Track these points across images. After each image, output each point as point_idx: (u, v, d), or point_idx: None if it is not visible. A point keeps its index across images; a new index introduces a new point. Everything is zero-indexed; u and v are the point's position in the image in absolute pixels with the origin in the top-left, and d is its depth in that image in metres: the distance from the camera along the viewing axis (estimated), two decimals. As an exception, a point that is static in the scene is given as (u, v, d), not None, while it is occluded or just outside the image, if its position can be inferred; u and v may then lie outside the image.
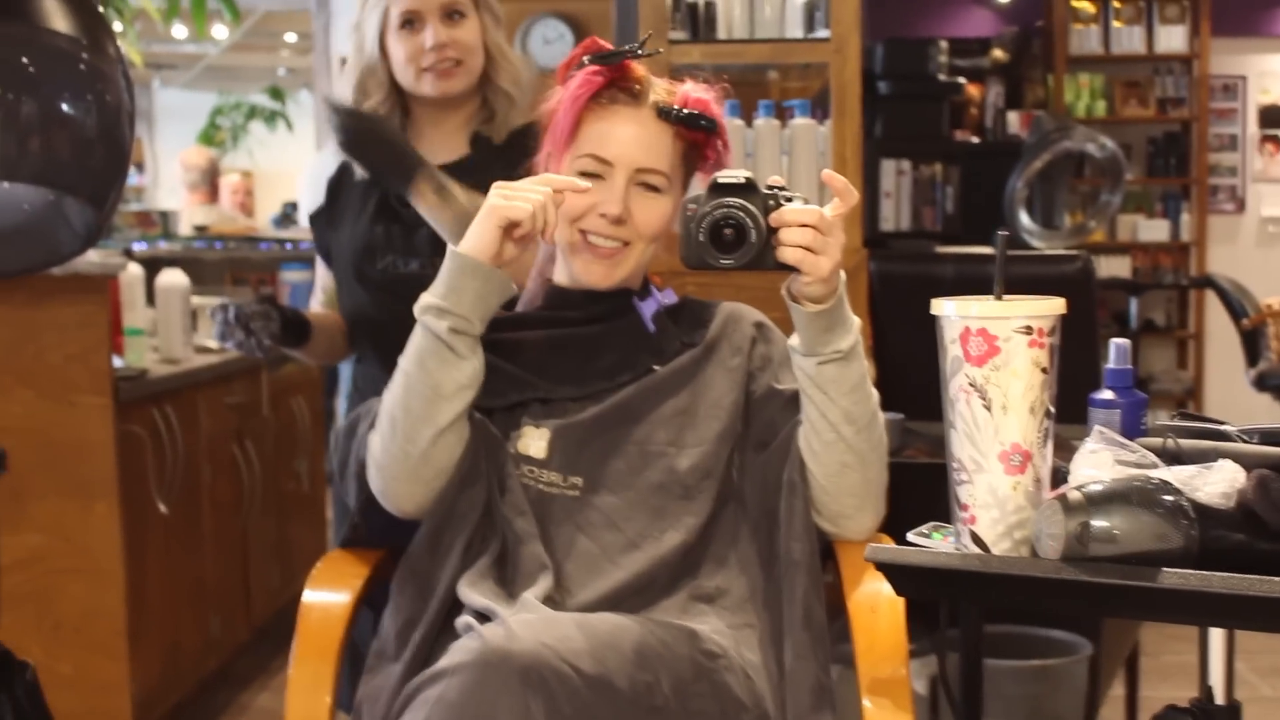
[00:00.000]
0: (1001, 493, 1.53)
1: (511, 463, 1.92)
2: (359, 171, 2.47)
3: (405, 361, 1.88)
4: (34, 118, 1.83)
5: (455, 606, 1.84)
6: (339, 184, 2.53)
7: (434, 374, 1.85)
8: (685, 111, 1.93)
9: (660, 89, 1.97)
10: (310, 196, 2.57)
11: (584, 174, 1.92)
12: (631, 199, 1.92)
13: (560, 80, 2.01)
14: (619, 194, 1.91)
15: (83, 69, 1.89)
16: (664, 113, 1.93)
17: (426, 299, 1.86)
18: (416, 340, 1.87)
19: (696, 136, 1.96)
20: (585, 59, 1.97)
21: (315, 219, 2.56)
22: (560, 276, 2.04)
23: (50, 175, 1.88)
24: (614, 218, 1.91)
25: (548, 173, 1.93)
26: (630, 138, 1.92)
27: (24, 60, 1.83)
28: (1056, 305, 1.54)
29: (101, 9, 2.03)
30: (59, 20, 1.87)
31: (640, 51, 1.96)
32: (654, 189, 1.94)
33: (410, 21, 2.42)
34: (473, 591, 1.81)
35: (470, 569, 1.85)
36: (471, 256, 1.84)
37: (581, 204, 1.91)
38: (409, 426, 1.87)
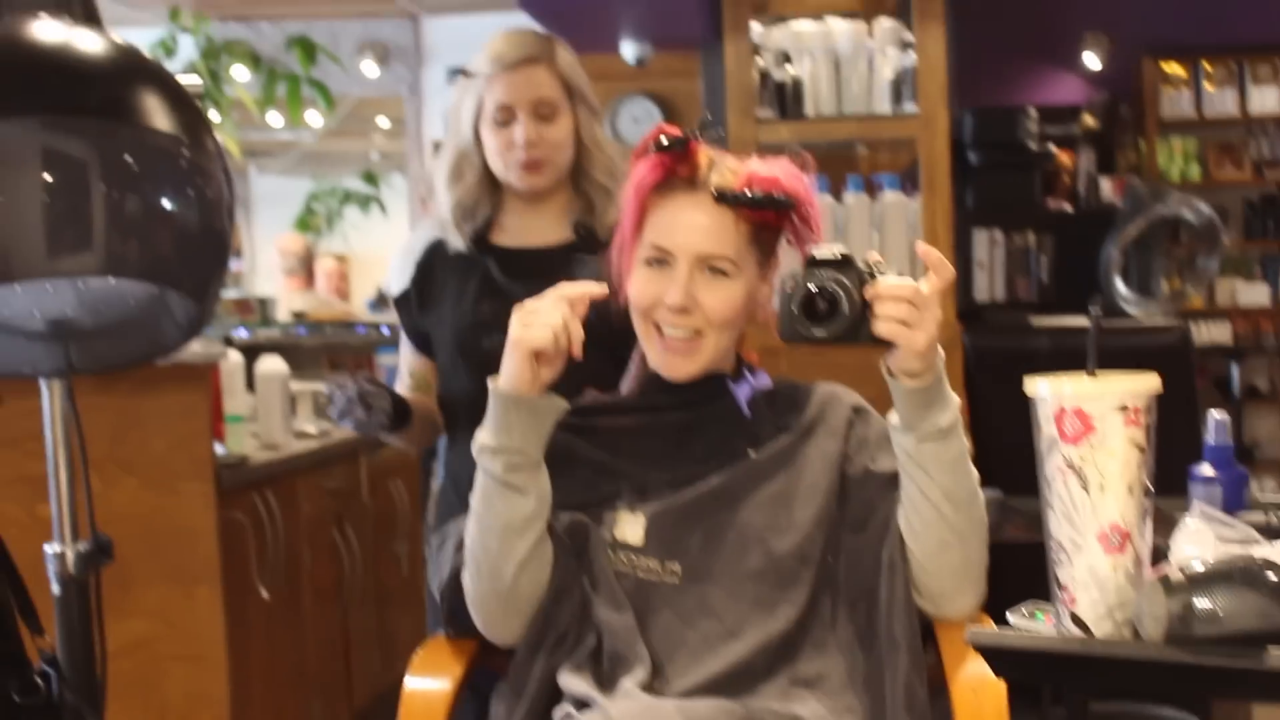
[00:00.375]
0: (1101, 573, 1.51)
1: (608, 550, 1.93)
2: (455, 246, 2.50)
3: (474, 502, 1.92)
4: (137, 214, 1.87)
5: (555, 696, 1.85)
6: (431, 264, 2.56)
7: (502, 513, 1.88)
8: (745, 194, 1.91)
9: (726, 170, 1.95)
10: (399, 278, 2.60)
11: (650, 262, 1.93)
12: (697, 286, 1.92)
13: (634, 167, 2.03)
14: (681, 283, 1.91)
15: (183, 165, 1.93)
16: (722, 197, 1.92)
17: (481, 439, 1.89)
18: (479, 480, 1.90)
19: (765, 216, 1.94)
20: (652, 145, 1.98)
21: (402, 302, 2.59)
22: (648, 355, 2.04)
23: (154, 270, 1.92)
24: (677, 307, 1.91)
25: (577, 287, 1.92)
26: (690, 225, 1.92)
27: (127, 158, 1.87)
28: (1152, 383, 1.52)
29: (200, 103, 2.07)
30: (160, 118, 1.91)
31: (699, 134, 1.96)
32: (721, 273, 1.93)
33: (503, 115, 2.45)
34: (571, 679, 1.82)
35: (568, 660, 1.86)
36: (511, 393, 1.86)
37: (649, 296, 1.93)
38: (490, 565, 1.90)
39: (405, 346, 2.65)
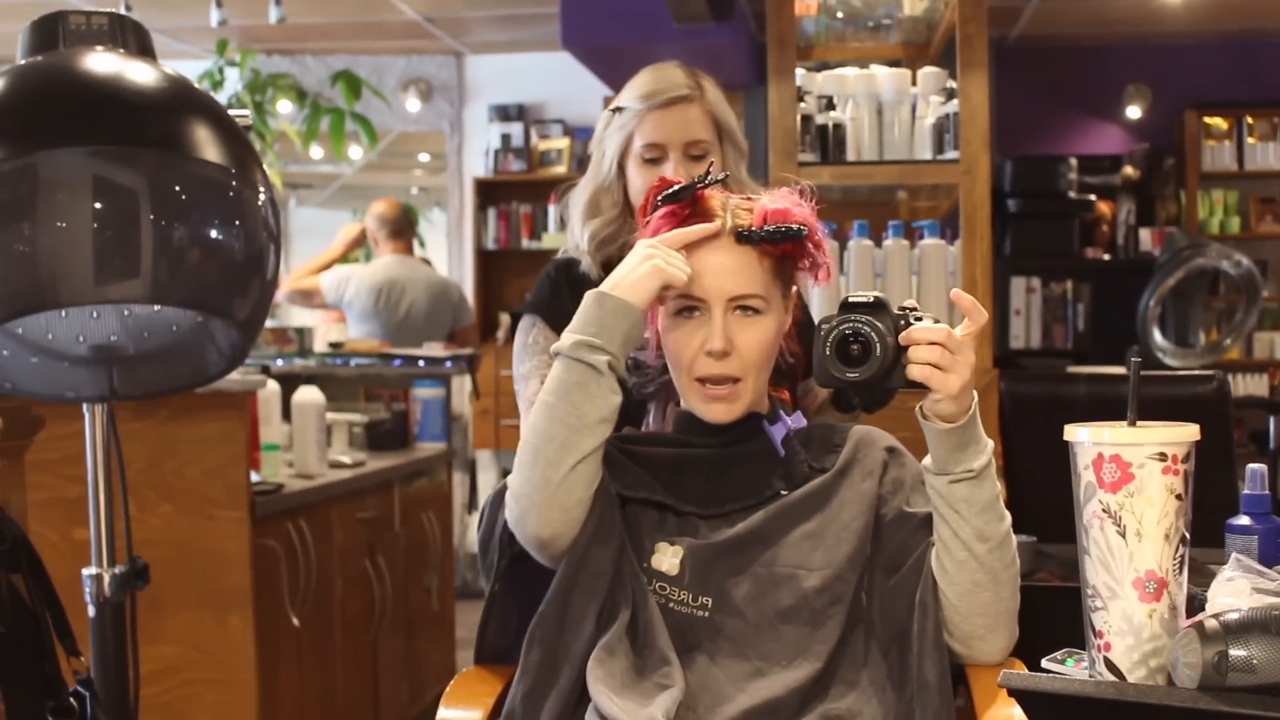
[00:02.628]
0: (1137, 620, 1.51)
1: (645, 576, 1.93)
2: (586, 271, 2.48)
3: (548, 395, 1.92)
4: (184, 244, 1.89)
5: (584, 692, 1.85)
6: (560, 284, 2.52)
7: (580, 405, 1.89)
8: (765, 230, 1.93)
9: (740, 211, 1.97)
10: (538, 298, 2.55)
11: (681, 313, 1.95)
12: (733, 328, 1.94)
13: (640, 221, 2.04)
14: (719, 328, 1.92)
15: (231, 196, 1.95)
16: (743, 237, 1.94)
17: (577, 336, 1.91)
18: (560, 375, 1.91)
19: (784, 248, 1.96)
20: (658, 199, 1.99)
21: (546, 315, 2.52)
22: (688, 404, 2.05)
23: (199, 299, 1.94)
24: (719, 352, 1.92)
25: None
26: (718, 269, 1.94)
27: (177, 189, 1.90)
28: (1191, 432, 1.52)
29: (249, 135, 2.09)
30: (210, 150, 1.93)
31: (705, 181, 1.98)
32: (754, 311, 1.95)
33: (654, 154, 2.45)
34: (603, 683, 1.81)
35: (601, 642, 1.85)
36: (628, 301, 1.89)
37: (689, 347, 1.94)
38: (551, 454, 1.89)
39: (541, 359, 2.50)
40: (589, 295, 1.92)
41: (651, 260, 1.89)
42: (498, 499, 2.07)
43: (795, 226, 1.94)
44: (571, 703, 1.86)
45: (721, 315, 1.93)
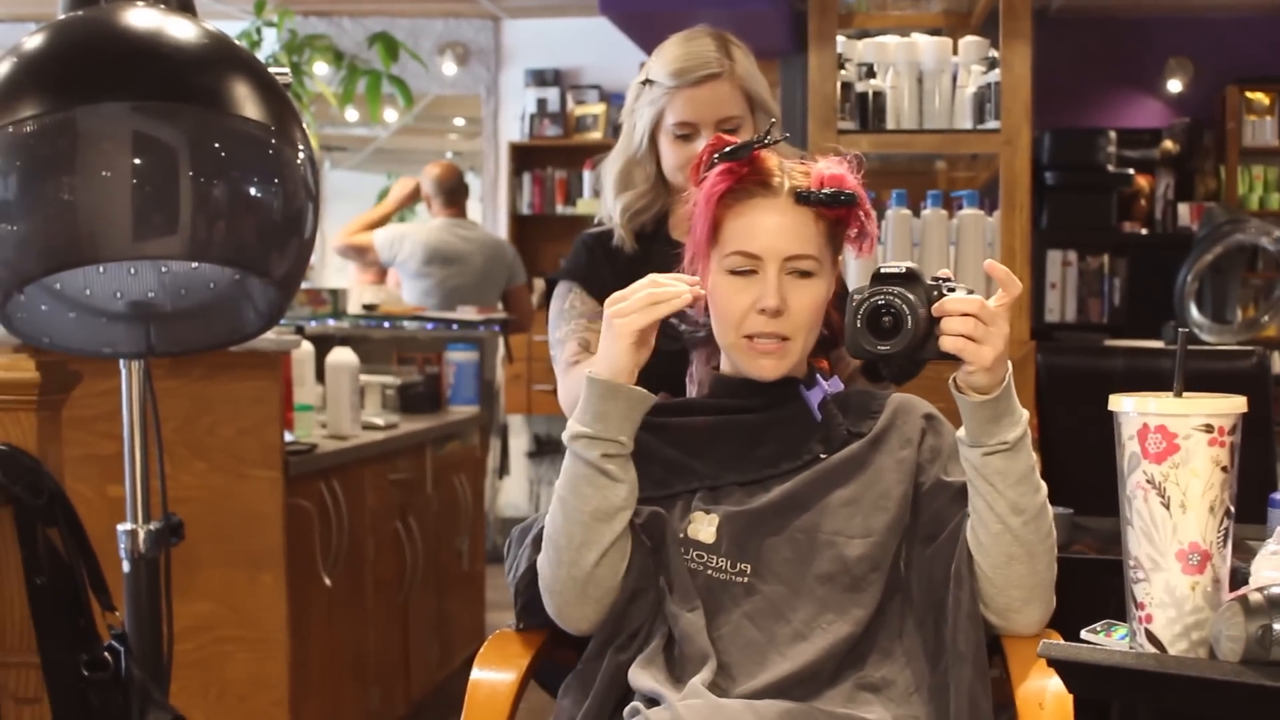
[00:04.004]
0: (1179, 592, 1.50)
1: (680, 547, 1.93)
2: (620, 243, 2.48)
3: (561, 489, 1.91)
4: (223, 201, 1.89)
5: (625, 697, 1.85)
6: (597, 252, 2.52)
7: (590, 500, 1.88)
8: (824, 193, 1.92)
9: (796, 173, 1.96)
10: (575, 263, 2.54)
11: (735, 272, 1.94)
12: (786, 288, 1.92)
13: (694, 181, 2.02)
14: (773, 286, 1.91)
15: (271, 154, 1.95)
16: (803, 197, 1.93)
17: (575, 427, 1.89)
18: (569, 468, 1.90)
19: (838, 213, 1.95)
20: (714, 157, 1.98)
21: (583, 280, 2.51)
22: (726, 366, 2.05)
23: (237, 256, 1.94)
24: (773, 310, 1.91)
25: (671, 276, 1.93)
26: (775, 228, 1.93)
27: (216, 145, 1.90)
28: (1238, 404, 1.51)
29: (288, 94, 2.09)
30: (250, 107, 1.93)
31: (767, 141, 1.97)
32: (807, 274, 1.94)
33: (686, 130, 2.43)
34: (642, 675, 1.82)
35: (639, 657, 1.86)
36: (611, 380, 1.87)
37: (741, 304, 1.93)
38: (572, 553, 1.90)
39: (578, 324, 2.49)
40: (586, 379, 1.90)
41: (623, 331, 1.85)
42: (520, 536, 2.09)
43: (850, 193, 1.94)
44: (606, 711, 1.87)
45: (776, 274, 1.92)
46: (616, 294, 1.89)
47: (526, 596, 2.03)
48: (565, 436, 1.90)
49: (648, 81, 2.48)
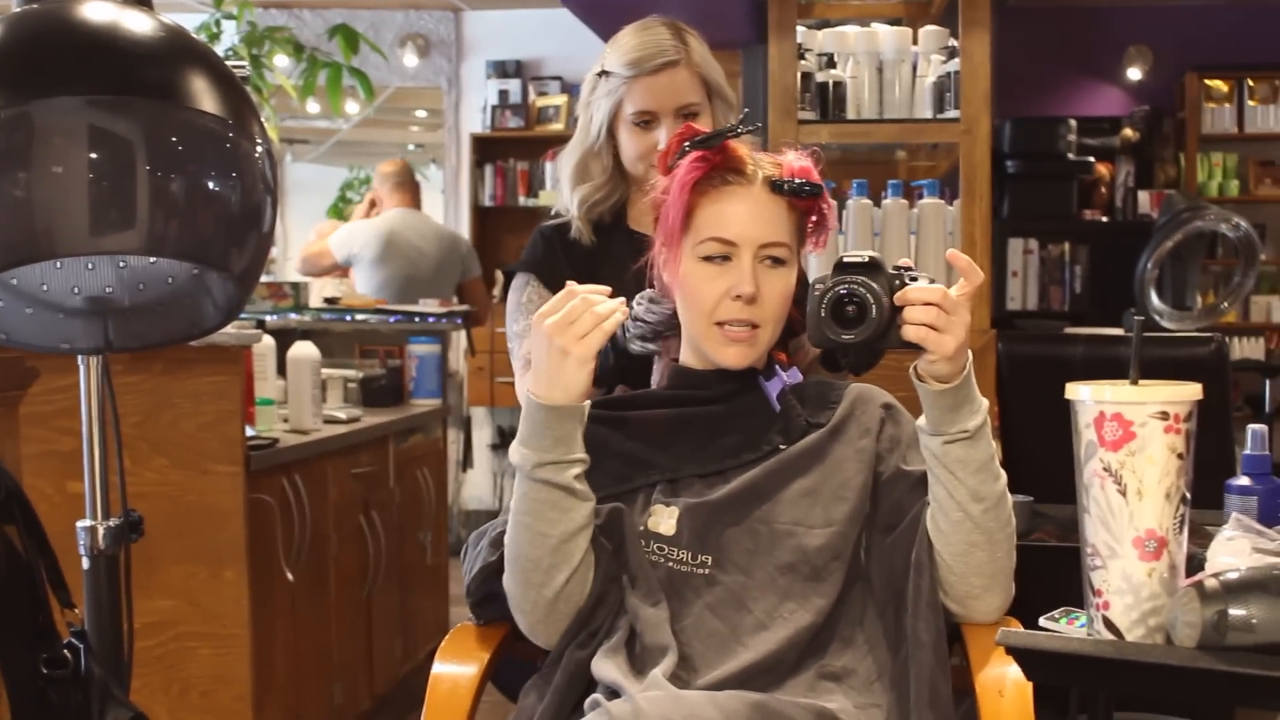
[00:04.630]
0: (1136, 579, 1.51)
1: (641, 540, 1.93)
2: (578, 236, 2.47)
3: (524, 516, 1.89)
4: (181, 195, 1.88)
5: (588, 689, 1.85)
6: (554, 245, 2.51)
7: (558, 524, 1.88)
8: (797, 182, 1.94)
9: (767, 163, 1.98)
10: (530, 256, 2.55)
11: (708, 258, 1.94)
12: (759, 276, 1.93)
13: (662, 170, 2.02)
14: (748, 273, 1.92)
15: (229, 148, 1.94)
16: (777, 186, 1.94)
17: (536, 455, 1.86)
18: (529, 493, 1.88)
19: (808, 204, 1.97)
20: (685, 146, 1.98)
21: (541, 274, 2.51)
22: (686, 358, 2.05)
23: (195, 251, 1.93)
24: (749, 296, 1.91)
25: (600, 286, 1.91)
26: (749, 215, 1.94)
27: (174, 139, 1.88)
28: (1193, 391, 1.52)
29: (247, 89, 2.08)
30: (208, 101, 1.92)
31: (740, 130, 1.98)
32: (779, 261, 1.95)
33: (645, 119, 2.43)
34: (604, 665, 1.82)
35: (603, 646, 1.87)
36: (570, 404, 1.85)
37: (715, 291, 1.93)
38: (541, 575, 1.90)
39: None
40: (529, 404, 1.87)
41: (581, 355, 1.83)
42: (477, 540, 2.08)
43: (817, 184, 1.96)
44: (569, 704, 1.86)
45: (751, 260, 1.92)
46: (545, 309, 1.86)
47: (479, 595, 2.03)
48: (525, 465, 1.87)
49: (604, 73, 2.48)
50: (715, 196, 1.94)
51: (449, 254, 6.26)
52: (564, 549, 1.88)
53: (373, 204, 6.53)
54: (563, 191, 2.54)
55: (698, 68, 2.45)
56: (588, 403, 1.89)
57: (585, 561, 1.90)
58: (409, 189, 6.36)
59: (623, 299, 1.88)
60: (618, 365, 2.16)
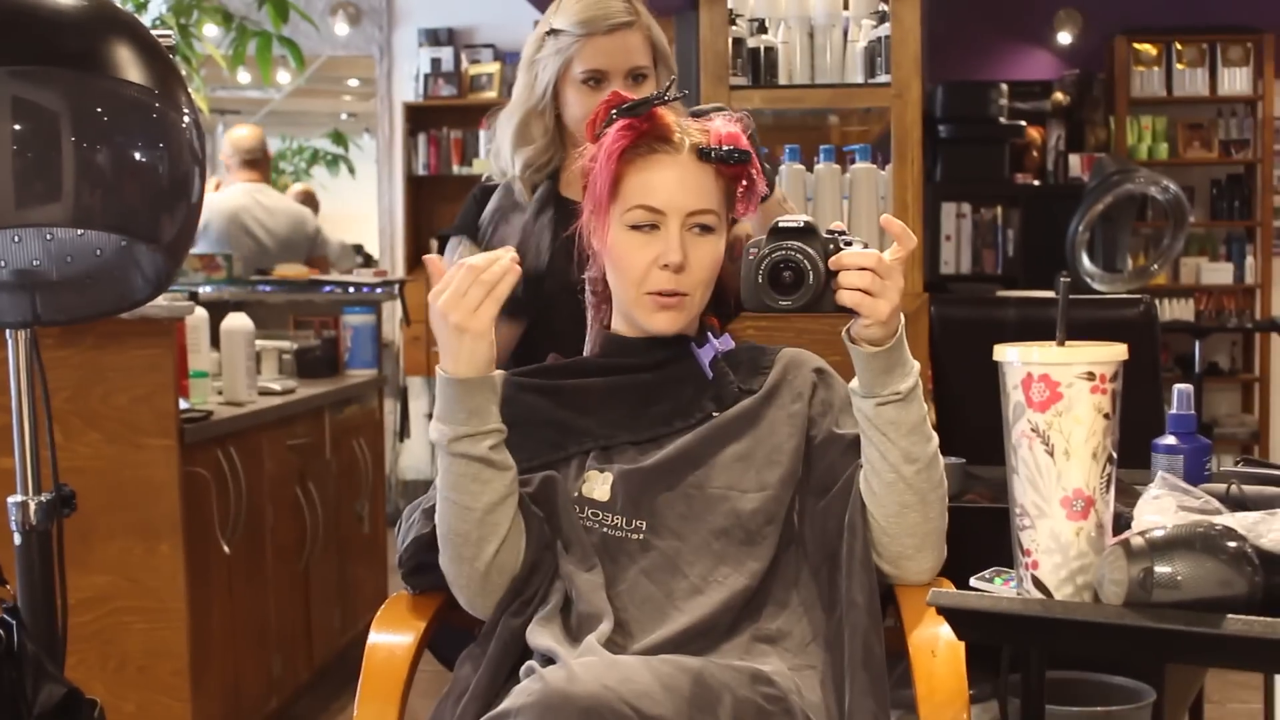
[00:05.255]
0: (1064, 538, 1.53)
1: (575, 506, 1.94)
2: (518, 198, 2.47)
3: (448, 491, 1.89)
4: (108, 166, 1.86)
5: (523, 657, 1.86)
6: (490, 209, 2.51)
7: (480, 495, 1.87)
8: (725, 149, 1.94)
9: (693, 130, 1.97)
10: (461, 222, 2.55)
11: (636, 227, 1.94)
12: (687, 244, 1.93)
13: (590, 138, 2.02)
14: (676, 241, 1.92)
15: (155, 118, 1.92)
16: (704, 153, 1.94)
17: (452, 429, 1.85)
18: (451, 469, 1.88)
19: (736, 170, 1.97)
20: (612, 113, 1.98)
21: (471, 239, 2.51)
22: (618, 325, 2.05)
23: (123, 223, 1.92)
24: (676, 265, 1.92)
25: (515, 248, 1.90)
26: (676, 183, 1.93)
27: (99, 110, 1.86)
28: (1119, 351, 1.54)
29: (173, 58, 2.06)
30: (133, 70, 1.90)
31: (666, 98, 1.98)
32: (707, 229, 1.95)
33: (595, 78, 2.43)
34: (539, 634, 1.83)
35: (537, 615, 1.87)
36: (476, 375, 1.84)
37: (643, 260, 1.93)
38: (471, 549, 1.89)
39: None
40: (440, 380, 1.86)
41: (476, 330, 1.82)
42: (410, 513, 2.07)
43: (745, 151, 1.96)
44: (504, 671, 1.86)
45: (679, 229, 1.93)
46: (437, 287, 1.84)
47: (410, 565, 2.03)
48: (442, 440, 1.87)
49: (552, 31, 2.47)
50: (642, 165, 1.94)
51: (295, 233, 6.16)
52: (489, 520, 1.88)
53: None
54: (501, 153, 2.53)
55: (648, 31, 2.47)
56: (499, 373, 1.89)
57: (514, 530, 1.90)
58: (259, 165, 6.22)
59: (514, 256, 1.85)
60: (530, 298, 2.11)
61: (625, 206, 1.94)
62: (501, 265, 1.82)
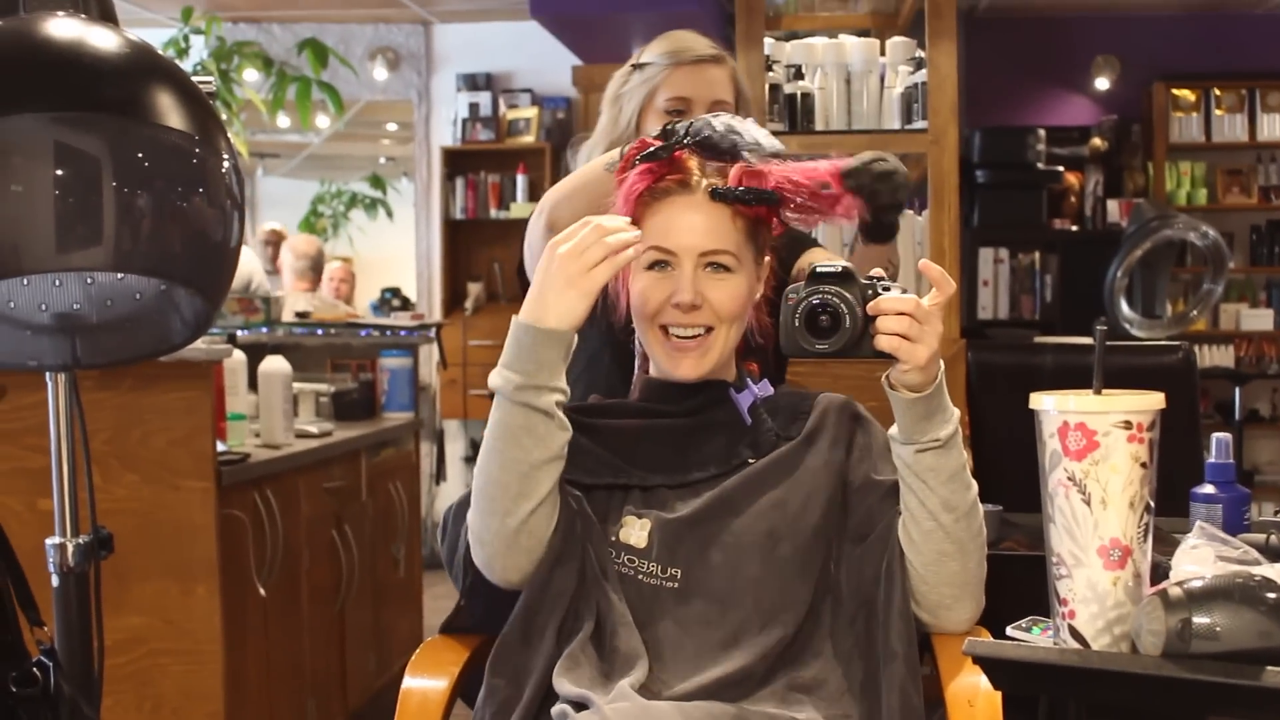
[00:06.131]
0: (1101, 588, 1.51)
1: (612, 550, 1.93)
2: None
3: (497, 441, 1.88)
4: (148, 211, 1.88)
5: (551, 694, 1.84)
6: None
7: (532, 450, 1.86)
8: (738, 190, 1.95)
9: (713, 172, 1.98)
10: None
11: (652, 266, 1.95)
12: (703, 283, 1.94)
13: (617, 182, 2.04)
14: (688, 281, 1.93)
15: (195, 164, 1.94)
16: (717, 194, 1.95)
17: (518, 379, 1.85)
18: (505, 418, 1.87)
19: (758, 212, 1.97)
20: (636, 159, 2.00)
21: None
22: (656, 370, 2.05)
23: (162, 267, 1.93)
24: (687, 305, 1.93)
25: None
26: (689, 224, 1.95)
27: (139, 156, 1.88)
28: (1156, 400, 1.53)
29: (213, 102, 2.08)
30: (173, 116, 1.92)
31: (686, 141, 1.99)
32: (724, 269, 1.96)
33: (677, 108, 2.47)
34: (568, 680, 1.82)
35: (565, 653, 1.85)
36: (562, 329, 1.85)
37: (656, 298, 1.94)
38: (508, 503, 1.88)
39: None
40: (518, 327, 1.86)
41: (587, 286, 1.83)
42: (459, 512, 2.06)
43: (769, 192, 1.96)
44: (533, 714, 1.84)
45: (691, 269, 1.94)
46: (560, 235, 1.86)
47: (474, 574, 1.99)
48: (506, 387, 1.86)
49: (639, 65, 2.51)
50: (658, 207, 1.96)
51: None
52: (535, 476, 1.87)
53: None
54: None
55: (733, 70, 2.52)
56: (575, 335, 1.88)
57: (551, 498, 1.89)
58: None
59: (639, 231, 1.87)
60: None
61: (643, 247, 1.94)
62: (630, 234, 1.85)
